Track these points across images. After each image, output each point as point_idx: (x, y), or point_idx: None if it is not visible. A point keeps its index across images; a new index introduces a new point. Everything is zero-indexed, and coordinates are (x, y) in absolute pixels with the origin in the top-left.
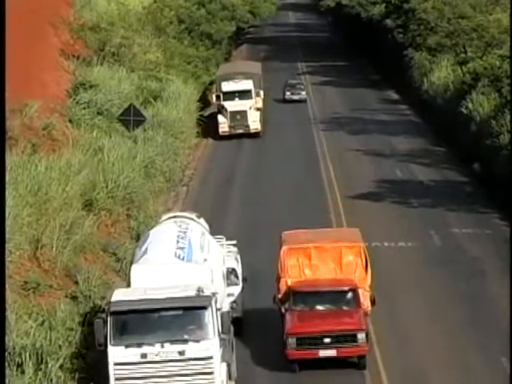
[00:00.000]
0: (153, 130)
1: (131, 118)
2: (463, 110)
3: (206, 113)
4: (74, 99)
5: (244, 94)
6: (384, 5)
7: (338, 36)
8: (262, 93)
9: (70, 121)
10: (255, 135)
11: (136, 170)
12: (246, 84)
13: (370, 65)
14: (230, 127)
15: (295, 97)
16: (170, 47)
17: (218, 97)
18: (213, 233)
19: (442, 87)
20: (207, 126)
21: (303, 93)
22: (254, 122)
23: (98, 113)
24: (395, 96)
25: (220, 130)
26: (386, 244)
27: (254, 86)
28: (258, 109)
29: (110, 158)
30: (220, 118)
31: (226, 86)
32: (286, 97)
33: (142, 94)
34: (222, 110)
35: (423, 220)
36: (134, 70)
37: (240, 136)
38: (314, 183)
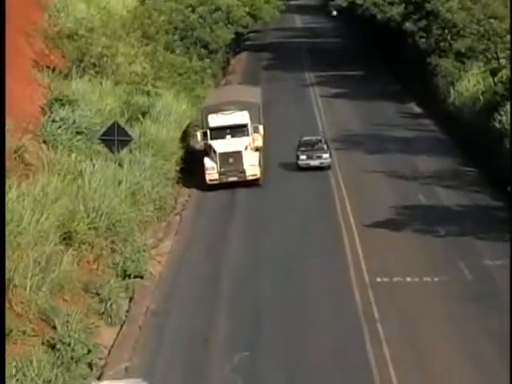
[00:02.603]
0: (140, 151)
1: (115, 138)
2: (496, 124)
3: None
4: (50, 117)
5: (238, 131)
6: (403, 5)
7: (351, 41)
8: (261, 128)
9: (45, 142)
10: (253, 183)
11: (121, 198)
12: (241, 117)
13: (388, 74)
14: (220, 174)
15: (314, 162)
16: (159, 57)
17: (204, 134)
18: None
19: (471, 98)
20: (190, 172)
21: (326, 155)
22: (252, 167)
23: (77, 132)
24: (417, 109)
25: (207, 178)
26: (408, 279)
27: (251, 120)
28: (256, 149)
29: (92, 183)
30: (207, 161)
31: (215, 120)
32: (301, 162)
33: (127, 110)
34: (209, 151)
35: (451, 251)
36: (118, 83)
37: (233, 185)
38: (325, 210)
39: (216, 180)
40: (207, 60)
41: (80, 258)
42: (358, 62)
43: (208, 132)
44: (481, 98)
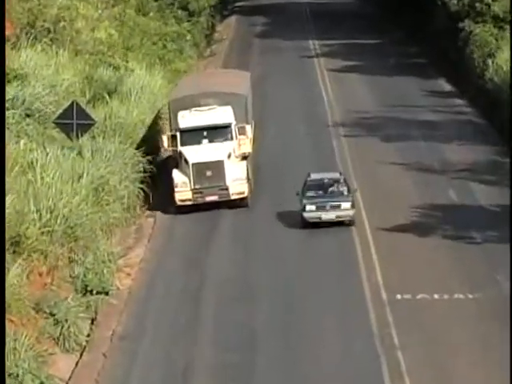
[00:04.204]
0: (105, 137)
1: (74, 122)
2: None
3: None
4: None
5: (218, 133)
6: None
7: (365, 3)
8: (249, 129)
9: None
10: (239, 204)
11: (81, 195)
12: (221, 114)
13: (411, 43)
14: (194, 192)
15: (328, 215)
16: (129, 21)
17: (173, 137)
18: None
19: None
20: (154, 187)
21: (346, 204)
22: (237, 182)
23: (27, 115)
24: (447, 86)
25: (177, 198)
26: (436, 296)
27: (236, 118)
28: (243, 157)
29: (45, 177)
30: (176, 175)
31: (187, 119)
32: (308, 214)
33: (89, 87)
34: (179, 160)
35: (488, 261)
36: (77, 53)
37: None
38: None
39: (189, 200)
40: (187, 23)
41: (31, 269)
42: (374, 29)
43: (178, 135)
44: None
